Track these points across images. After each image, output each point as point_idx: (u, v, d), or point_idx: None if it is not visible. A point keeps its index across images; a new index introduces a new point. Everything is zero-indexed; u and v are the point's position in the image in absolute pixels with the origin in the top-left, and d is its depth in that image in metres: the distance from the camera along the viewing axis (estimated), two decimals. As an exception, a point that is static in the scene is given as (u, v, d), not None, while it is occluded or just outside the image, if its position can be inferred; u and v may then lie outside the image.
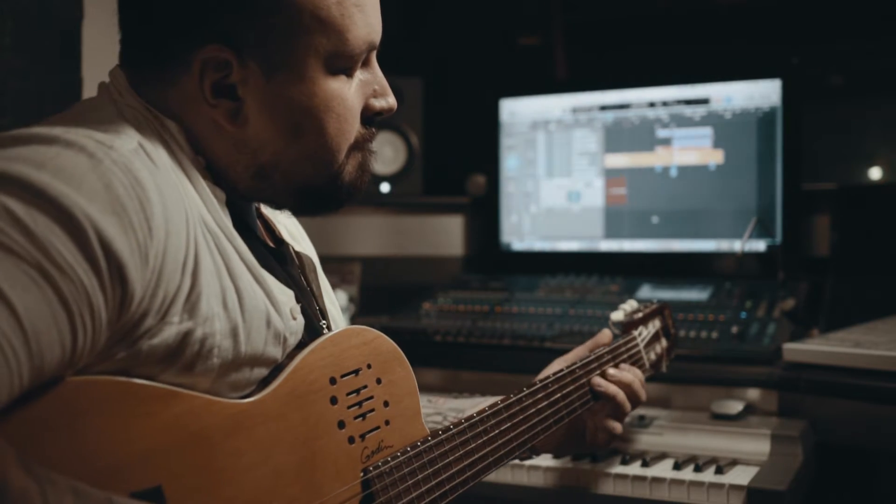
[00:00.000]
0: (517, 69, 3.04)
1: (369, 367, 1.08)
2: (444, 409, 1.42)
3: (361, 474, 1.04)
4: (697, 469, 1.61)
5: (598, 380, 1.44)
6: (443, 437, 1.14)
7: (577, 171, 2.61)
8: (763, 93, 2.38)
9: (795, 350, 1.82)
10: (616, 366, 1.49)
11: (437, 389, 2.01)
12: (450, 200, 2.81)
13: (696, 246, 2.46)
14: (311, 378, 1.00)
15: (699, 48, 2.79)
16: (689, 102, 2.47)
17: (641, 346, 1.60)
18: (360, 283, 2.75)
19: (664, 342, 1.70)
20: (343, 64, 1.01)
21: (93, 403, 0.80)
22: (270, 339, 0.97)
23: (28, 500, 0.70)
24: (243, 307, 0.94)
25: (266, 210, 1.19)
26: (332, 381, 1.02)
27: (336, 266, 2.71)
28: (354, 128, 1.05)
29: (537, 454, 1.52)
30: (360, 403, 1.06)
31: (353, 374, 1.05)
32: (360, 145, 1.08)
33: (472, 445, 1.17)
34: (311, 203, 1.08)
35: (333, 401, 1.02)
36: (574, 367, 1.41)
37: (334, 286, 1.93)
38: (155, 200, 0.85)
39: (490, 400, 1.45)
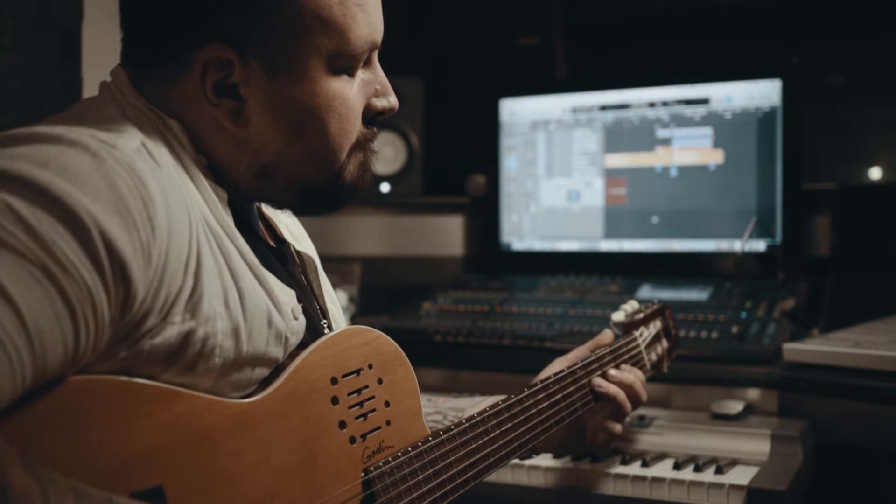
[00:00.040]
0: (517, 69, 3.04)
1: (370, 367, 1.08)
2: (444, 409, 1.42)
3: (362, 474, 1.04)
4: (697, 469, 1.61)
5: (598, 380, 1.44)
6: (443, 437, 1.14)
7: (577, 171, 2.61)
8: (763, 93, 2.38)
9: (795, 350, 1.82)
10: (617, 366, 1.49)
11: (438, 389, 2.00)
12: (450, 200, 2.81)
13: (696, 246, 2.46)
14: (313, 378, 1.00)
15: (699, 48, 2.79)
16: (689, 102, 2.47)
17: (642, 346, 1.60)
18: (360, 283, 2.75)
19: (665, 343, 1.70)
20: (345, 63, 1.01)
21: (94, 403, 0.80)
22: (272, 339, 0.97)
23: (29, 500, 0.70)
24: (245, 307, 0.94)
25: (267, 209, 1.19)
26: (334, 381, 1.03)
27: (336, 266, 2.71)
28: (356, 127, 1.05)
29: (537, 454, 1.53)
30: (361, 403, 1.06)
31: (355, 374, 1.05)
32: (362, 145, 1.08)
33: (473, 446, 1.17)
34: (313, 203, 1.08)
35: (335, 401, 1.02)
36: (575, 367, 1.41)
37: (334, 286, 1.93)
38: (158, 200, 0.85)
39: (490, 399, 1.45)
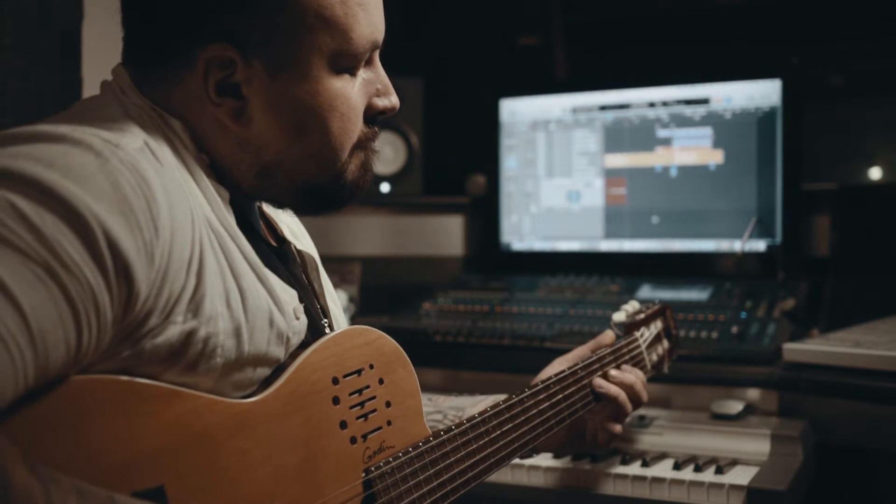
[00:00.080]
0: (517, 69, 3.04)
1: (372, 367, 1.08)
2: (445, 408, 1.42)
3: (363, 475, 1.04)
4: (697, 469, 1.61)
5: (599, 381, 1.44)
6: (444, 437, 1.14)
7: (577, 171, 2.61)
8: (763, 93, 2.38)
9: (795, 350, 1.82)
10: (618, 367, 1.49)
11: (438, 389, 2.00)
12: (450, 200, 2.81)
13: (696, 246, 2.46)
14: (314, 378, 1.00)
15: (699, 48, 2.79)
16: (689, 102, 2.47)
17: (643, 347, 1.60)
18: (360, 283, 2.75)
19: (666, 343, 1.70)
20: (347, 63, 1.01)
21: (96, 403, 0.80)
22: (273, 339, 0.97)
23: (31, 499, 0.70)
24: (246, 307, 0.94)
25: (267, 208, 1.19)
26: (335, 381, 1.03)
27: (336, 266, 2.71)
28: (358, 127, 1.05)
29: (537, 453, 1.53)
30: (362, 404, 1.06)
31: (356, 375, 1.05)
32: (363, 144, 1.08)
33: (474, 446, 1.17)
34: (314, 202, 1.08)
35: (336, 401, 1.02)
36: (576, 367, 1.41)
37: (334, 286, 1.93)
38: (161, 200, 0.85)
39: (491, 398, 1.45)
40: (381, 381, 1.09)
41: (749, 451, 1.69)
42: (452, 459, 1.14)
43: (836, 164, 2.71)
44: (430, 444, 1.11)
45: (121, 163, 0.83)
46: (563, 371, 1.39)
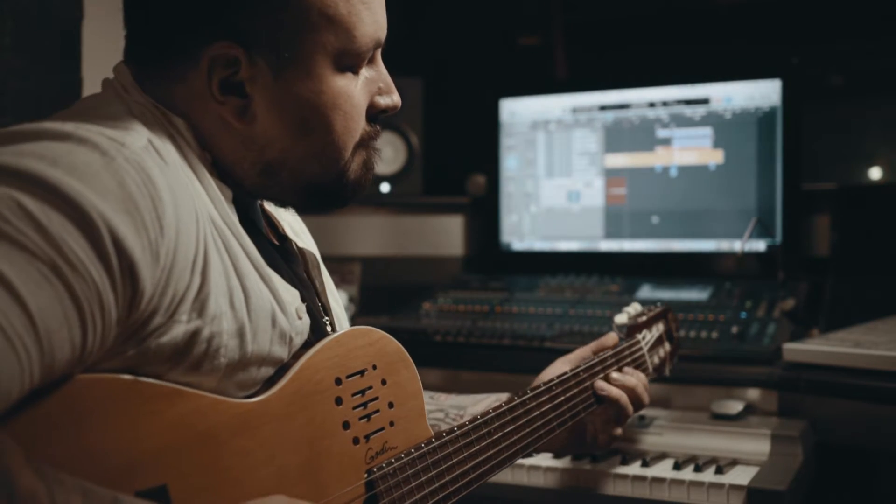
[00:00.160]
0: (517, 69, 3.04)
1: (374, 367, 1.08)
2: (446, 406, 1.43)
3: (365, 475, 1.04)
4: (697, 469, 1.61)
5: (601, 383, 1.44)
6: (446, 438, 1.14)
7: (577, 171, 2.61)
8: (763, 93, 2.38)
9: (795, 350, 1.82)
10: (619, 369, 1.49)
11: (438, 389, 1.99)
12: (450, 200, 2.81)
13: (696, 246, 2.46)
14: (317, 378, 1.00)
15: (699, 48, 2.79)
16: (689, 102, 2.47)
17: (645, 349, 1.60)
18: (360, 283, 2.75)
19: (667, 346, 1.70)
20: (350, 61, 1.01)
21: (100, 402, 0.80)
22: (276, 339, 0.97)
23: (36, 500, 0.70)
24: (250, 307, 0.94)
25: (269, 206, 1.19)
26: (338, 381, 1.03)
27: (336, 266, 2.71)
28: (360, 125, 1.05)
29: (538, 453, 1.53)
30: (365, 404, 1.06)
31: (359, 375, 1.06)
32: (365, 143, 1.08)
33: (476, 448, 1.17)
34: (317, 200, 1.09)
35: (339, 401, 1.02)
36: (578, 369, 1.41)
37: (335, 286, 1.92)
38: (166, 199, 0.85)
39: (492, 396, 1.45)
40: (383, 382, 1.09)
41: (749, 451, 1.69)
42: (454, 461, 1.14)
43: (836, 164, 2.71)
44: (432, 445, 1.11)
45: (126, 161, 0.83)
46: (566, 373, 1.39)
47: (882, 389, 1.65)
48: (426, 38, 3.14)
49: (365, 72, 1.05)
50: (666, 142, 2.49)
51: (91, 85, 2.24)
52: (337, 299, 1.25)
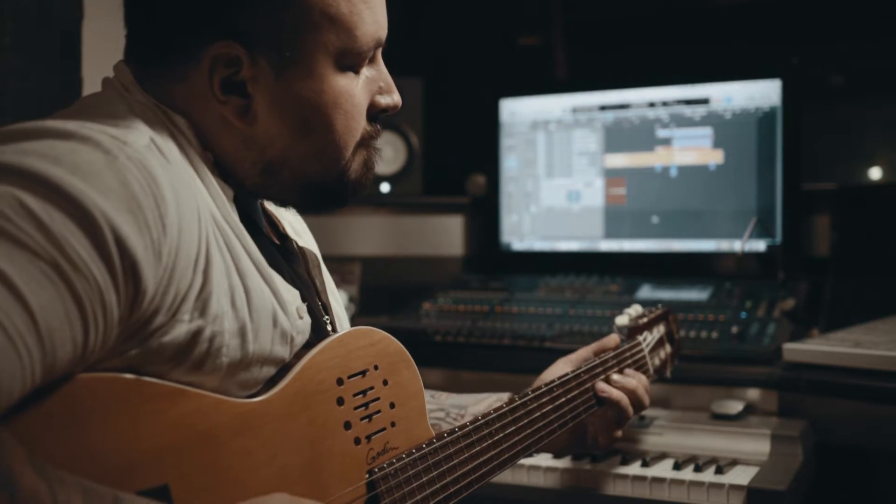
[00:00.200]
0: (517, 69, 3.04)
1: (376, 368, 1.08)
2: (447, 405, 1.43)
3: (367, 476, 1.05)
4: (697, 469, 1.61)
5: (602, 385, 1.44)
6: (448, 439, 1.14)
7: (577, 171, 2.61)
8: (763, 93, 2.39)
9: (795, 350, 1.82)
10: (621, 371, 1.49)
11: (438, 390, 2.01)
12: (450, 200, 2.81)
13: (696, 246, 2.46)
14: (319, 378, 1.00)
15: (699, 48, 2.79)
16: (689, 102, 2.47)
17: (646, 351, 1.60)
18: (360, 283, 2.75)
19: (668, 348, 1.70)
20: (351, 61, 1.01)
21: (101, 401, 0.80)
22: (277, 339, 0.97)
23: (38, 499, 0.70)
24: (251, 306, 0.94)
25: (269, 205, 1.19)
26: (340, 381, 1.03)
27: (336, 266, 2.71)
28: (361, 125, 1.05)
29: (538, 453, 1.53)
30: (366, 405, 1.06)
31: (360, 376, 1.06)
32: (366, 142, 1.08)
33: (477, 448, 1.17)
34: (318, 200, 1.09)
35: (340, 402, 1.02)
36: (579, 371, 1.41)
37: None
38: (169, 198, 0.85)
39: (493, 395, 1.45)
40: (385, 383, 1.09)
41: (749, 451, 1.69)
42: (456, 461, 1.14)
43: (836, 164, 2.71)
44: (433, 446, 1.11)
45: (129, 160, 0.83)
46: (567, 374, 1.39)
47: (882, 389, 1.65)
48: (426, 37, 3.14)
49: (366, 71, 1.05)
50: (666, 142, 2.49)
51: (91, 85, 2.24)
52: (337, 298, 1.25)
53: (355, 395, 1.04)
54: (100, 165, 0.80)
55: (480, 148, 2.77)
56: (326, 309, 1.18)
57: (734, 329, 2.01)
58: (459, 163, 2.91)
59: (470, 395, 1.47)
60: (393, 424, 1.09)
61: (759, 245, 2.38)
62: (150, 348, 0.84)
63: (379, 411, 1.07)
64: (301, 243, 1.21)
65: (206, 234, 0.90)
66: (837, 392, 1.73)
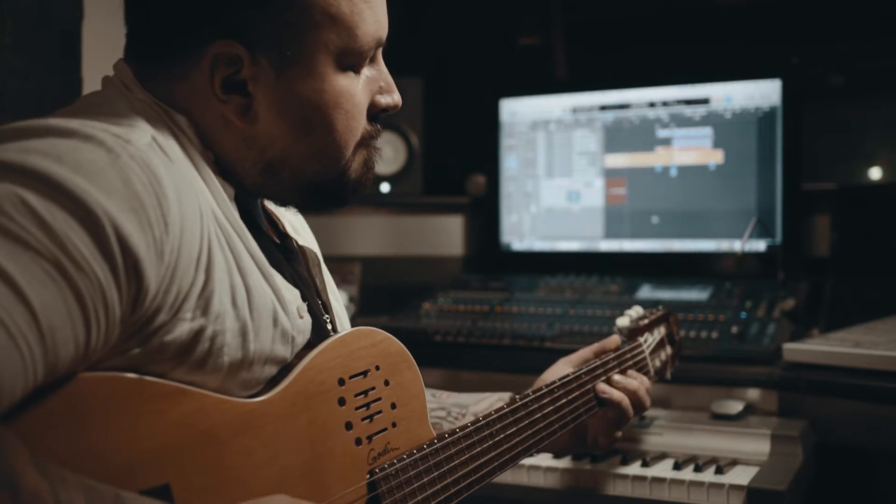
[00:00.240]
0: (517, 69, 3.04)
1: (378, 368, 1.08)
2: (448, 404, 1.43)
3: (368, 476, 1.05)
4: (697, 469, 1.61)
5: (603, 386, 1.44)
6: (449, 439, 1.14)
7: (577, 171, 2.61)
8: (763, 93, 2.39)
9: (795, 350, 1.82)
10: (622, 372, 1.49)
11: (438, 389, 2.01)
12: (450, 200, 2.81)
13: (696, 246, 2.46)
14: (320, 379, 1.00)
15: (699, 48, 2.79)
16: (689, 102, 2.47)
17: (647, 352, 1.60)
18: (360, 283, 2.75)
19: (669, 349, 1.70)
20: (352, 60, 1.01)
21: (103, 400, 0.80)
22: (278, 338, 0.97)
23: (40, 499, 0.70)
24: (252, 305, 0.94)
25: (269, 204, 1.19)
26: (341, 382, 1.03)
27: (336, 266, 2.70)
28: (361, 124, 1.05)
29: (538, 453, 1.53)
30: (367, 405, 1.06)
31: (362, 376, 1.06)
32: (366, 142, 1.08)
33: (478, 449, 1.17)
34: (318, 199, 1.09)
35: (342, 402, 1.02)
36: (580, 372, 1.41)
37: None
38: (171, 196, 0.84)
39: (494, 395, 1.45)
40: (386, 383, 1.09)
41: (749, 451, 1.69)
42: (457, 462, 1.14)
43: (836, 164, 2.71)
44: (434, 447, 1.11)
45: (131, 158, 0.83)
46: (568, 375, 1.39)
47: (882, 389, 1.65)
48: (426, 37, 3.14)
49: (366, 71, 1.05)
50: (666, 142, 2.49)
51: (91, 85, 2.24)
52: (337, 297, 1.25)
53: (357, 395, 1.04)
54: (102, 164, 0.80)
55: (480, 148, 2.77)
56: (327, 308, 1.18)
57: (734, 329, 2.01)
58: (459, 163, 2.91)
59: (471, 394, 1.47)
60: (394, 425, 1.09)
61: (759, 245, 2.38)
62: (152, 347, 0.84)
63: (380, 412, 1.07)
64: (301, 242, 1.22)
65: (207, 233, 0.90)
66: (837, 392, 1.73)
